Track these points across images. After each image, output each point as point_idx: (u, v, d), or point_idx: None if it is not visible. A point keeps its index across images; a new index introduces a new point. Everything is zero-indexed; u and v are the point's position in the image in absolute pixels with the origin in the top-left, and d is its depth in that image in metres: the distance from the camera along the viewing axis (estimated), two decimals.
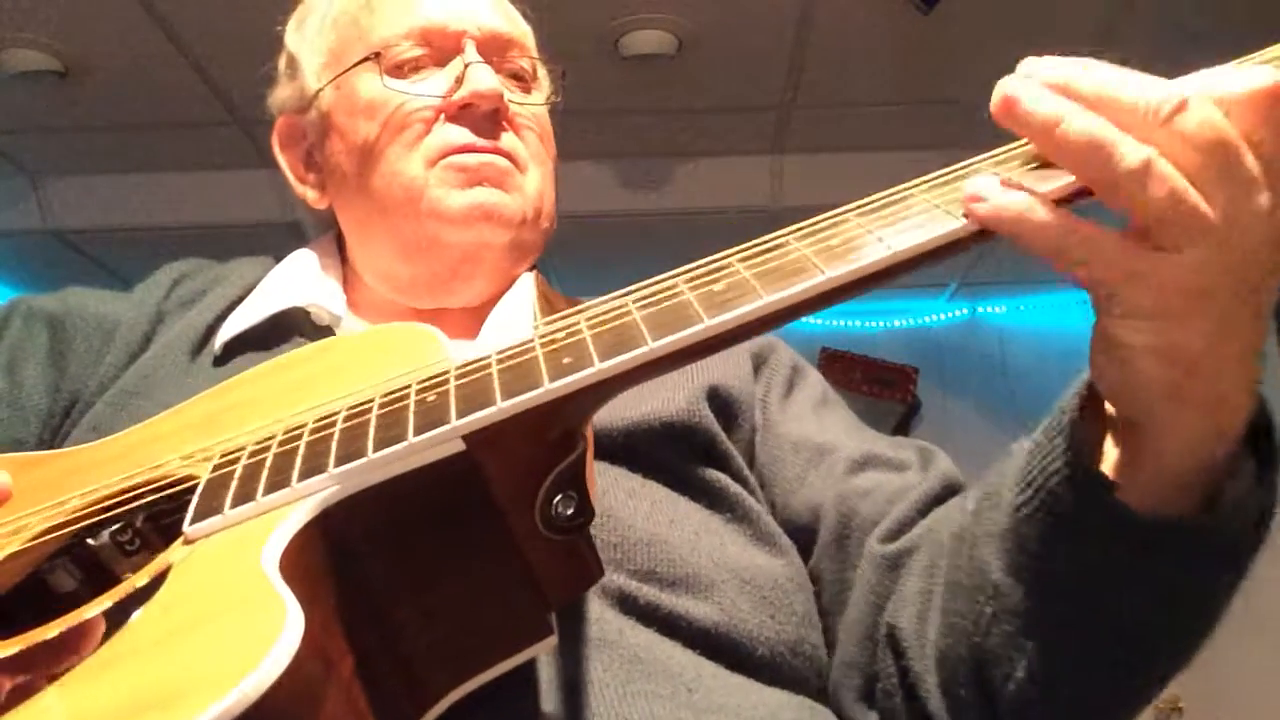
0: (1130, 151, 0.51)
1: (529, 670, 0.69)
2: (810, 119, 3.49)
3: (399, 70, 0.97)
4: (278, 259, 1.05)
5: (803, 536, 0.92)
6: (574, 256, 4.12)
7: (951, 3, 2.80)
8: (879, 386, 4.26)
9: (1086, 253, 0.53)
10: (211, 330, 0.96)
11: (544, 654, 0.69)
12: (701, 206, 3.77)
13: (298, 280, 1.00)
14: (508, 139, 0.97)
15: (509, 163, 0.96)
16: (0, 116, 3.25)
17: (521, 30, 1.05)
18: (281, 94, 1.07)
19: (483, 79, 0.94)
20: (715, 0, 2.87)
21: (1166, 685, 0.68)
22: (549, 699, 0.68)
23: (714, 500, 0.88)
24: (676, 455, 0.88)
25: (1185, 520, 0.61)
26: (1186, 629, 0.66)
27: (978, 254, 4.40)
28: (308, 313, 0.96)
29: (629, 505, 0.82)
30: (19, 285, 4.12)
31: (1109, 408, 0.65)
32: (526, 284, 1.01)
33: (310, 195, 1.05)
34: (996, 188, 0.55)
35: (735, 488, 0.90)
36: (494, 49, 0.99)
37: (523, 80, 1.03)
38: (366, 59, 0.97)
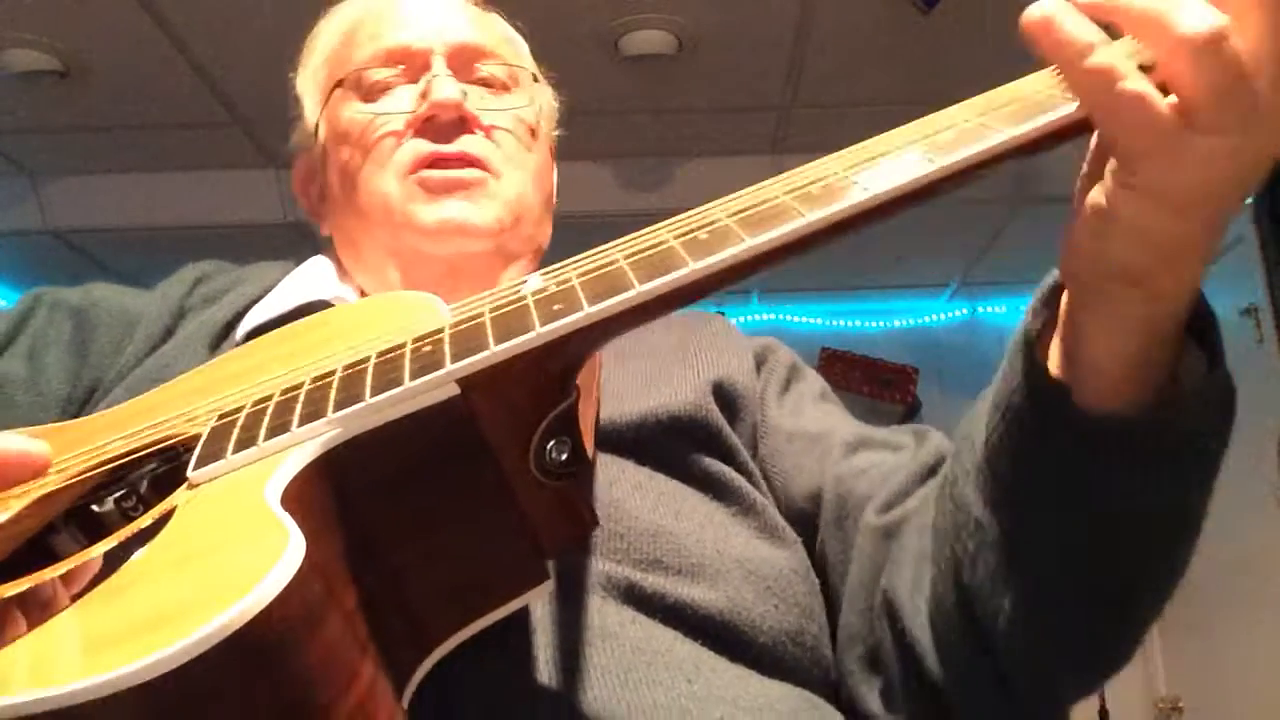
0: (1200, 14, 0.51)
1: (531, 655, 0.70)
2: (810, 119, 3.51)
3: (370, 93, 1.01)
4: (297, 263, 1.07)
5: (806, 523, 0.93)
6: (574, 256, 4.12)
7: (951, 3, 2.81)
8: (879, 386, 4.27)
9: (1140, 110, 0.52)
10: (231, 326, 0.97)
11: (541, 620, 0.71)
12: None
13: (320, 277, 1.02)
14: (476, 144, 0.98)
15: (480, 171, 0.97)
16: (0, 116, 3.26)
17: (497, 38, 1.06)
18: (296, 136, 1.11)
19: (440, 89, 0.96)
20: (715, 0, 2.89)
21: (1158, 607, 0.68)
22: (551, 685, 0.69)
23: (720, 493, 0.89)
24: (683, 448, 0.89)
25: (1143, 414, 0.61)
26: (1164, 539, 0.65)
27: (978, 254, 4.43)
28: (330, 305, 0.97)
29: (635, 497, 0.83)
30: (19, 285, 4.13)
31: (1061, 310, 0.64)
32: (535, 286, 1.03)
33: (321, 226, 1.09)
34: (1071, 13, 0.54)
35: (740, 480, 0.90)
36: (464, 60, 1.01)
37: (495, 86, 1.04)
38: (338, 85, 1.02)
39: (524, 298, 0.60)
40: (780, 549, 0.88)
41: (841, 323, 4.52)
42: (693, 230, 0.59)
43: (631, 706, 0.69)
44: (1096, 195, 0.57)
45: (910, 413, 4.23)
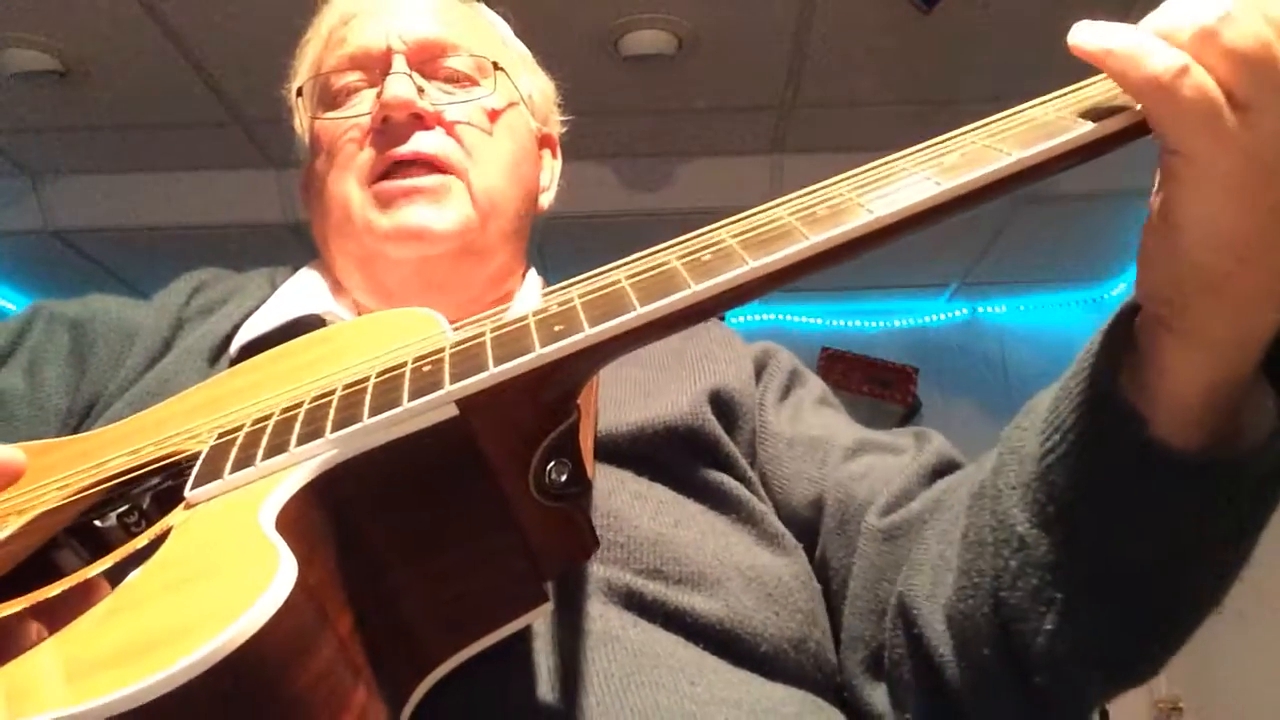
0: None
1: (532, 660, 0.70)
2: (810, 119, 3.50)
3: (335, 100, 1.01)
4: (295, 269, 1.07)
5: (808, 529, 0.93)
6: (574, 256, 4.12)
7: (951, 3, 2.80)
8: (879, 387, 4.26)
9: (1196, 97, 0.52)
10: (230, 338, 0.97)
11: (541, 626, 0.71)
12: (701, 206, 3.76)
13: (314, 288, 1.02)
14: (433, 141, 0.97)
15: (439, 176, 0.96)
16: (0, 116, 3.25)
17: (462, 29, 1.04)
18: (297, 146, 1.11)
19: (390, 88, 0.95)
20: (715, 0, 2.88)
21: (1197, 626, 0.67)
22: (552, 689, 0.69)
23: (719, 502, 0.89)
24: (681, 458, 0.89)
25: (1217, 454, 0.60)
26: (1217, 569, 0.65)
27: (978, 254, 4.42)
28: (324, 320, 0.97)
29: (635, 506, 0.83)
30: (19, 285, 4.13)
31: (1139, 338, 0.63)
32: (533, 290, 1.02)
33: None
34: (1102, 26, 0.56)
35: (740, 489, 0.90)
36: (426, 56, 1.00)
37: (461, 80, 1.02)
38: (299, 93, 1.03)
39: (525, 318, 0.60)
40: (781, 556, 0.88)
41: (841, 323, 4.51)
42: (696, 251, 0.59)
43: (634, 710, 0.69)
44: (1157, 199, 0.57)
45: (910, 413, 4.23)
